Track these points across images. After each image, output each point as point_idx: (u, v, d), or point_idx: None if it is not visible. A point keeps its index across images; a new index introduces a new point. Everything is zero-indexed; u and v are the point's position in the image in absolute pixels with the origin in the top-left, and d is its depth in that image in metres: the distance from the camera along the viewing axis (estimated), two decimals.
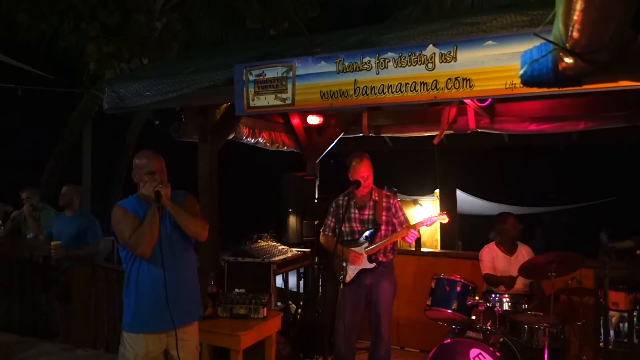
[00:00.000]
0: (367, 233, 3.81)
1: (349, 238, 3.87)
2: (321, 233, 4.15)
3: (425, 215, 4.05)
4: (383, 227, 3.83)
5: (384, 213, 3.86)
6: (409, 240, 3.84)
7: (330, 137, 5.77)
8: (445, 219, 3.88)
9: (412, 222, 3.89)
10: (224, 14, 7.75)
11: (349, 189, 3.77)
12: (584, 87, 2.07)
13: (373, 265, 3.79)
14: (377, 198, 3.89)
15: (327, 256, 4.30)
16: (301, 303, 5.07)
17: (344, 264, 3.76)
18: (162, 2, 6.74)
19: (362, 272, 3.82)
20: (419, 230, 3.81)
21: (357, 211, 3.89)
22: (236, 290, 3.87)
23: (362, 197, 3.87)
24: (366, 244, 3.80)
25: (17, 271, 5.18)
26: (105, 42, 6.04)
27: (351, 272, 3.80)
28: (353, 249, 3.81)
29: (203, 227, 2.83)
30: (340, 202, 4.01)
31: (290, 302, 5.07)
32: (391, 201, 3.92)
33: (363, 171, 3.79)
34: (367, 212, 3.87)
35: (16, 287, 5.18)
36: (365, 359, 4.09)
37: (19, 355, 4.64)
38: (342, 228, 3.89)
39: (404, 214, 3.93)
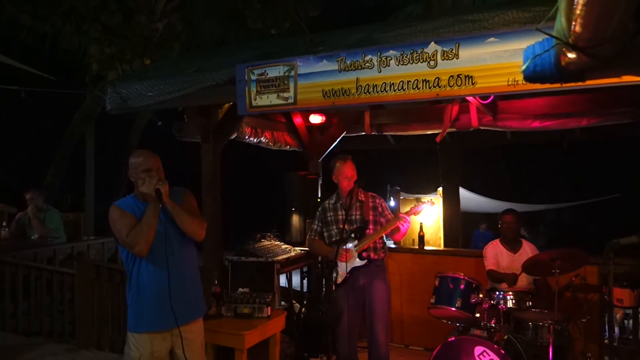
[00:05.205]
0: (354, 231, 3.80)
1: (337, 238, 3.85)
2: (308, 238, 4.15)
3: (424, 211, 4.05)
4: (371, 226, 3.84)
5: (370, 212, 3.89)
6: (403, 229, 3.79)
7: (333, 136, 5.76)
8: (431, 205, 4.05)
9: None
10: (225, 14, 7.75)
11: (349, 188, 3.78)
12: (587, 82, 2.07)
13: (364, 262, 3.79)
14: (363, 198, 3.91)
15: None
16: (305, 302, 5.06)
17: (336, 266, 3.74)
18: (163, 3, 6.75)
19: (355, 272, 3.80)
20: (408, 219, 3.80)
21: (344, 212, 3.89)
22: (240, 289, 3.88)
23: (348, 198, 3.83)
24: (355, 242, 3.80)
25: (22, 272, 5.20)
26: (107, 43, 6.06)
27: (342, 272, 3.78)
28: (343, 247, 3.78)
29: (201, 227, 2.81)
30: (327, 205, 4.03)
31: (294, 301, 5.08)
32: (377, 201, 3.95)
33: (347, 171, 3.84)
34: (353, 212, 3.88)
35: (21, 288, 5.20)
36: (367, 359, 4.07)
37: (24, 356, 4.65)
38: (331, 230, 3.92)
39: (390, 213, 3.95)
